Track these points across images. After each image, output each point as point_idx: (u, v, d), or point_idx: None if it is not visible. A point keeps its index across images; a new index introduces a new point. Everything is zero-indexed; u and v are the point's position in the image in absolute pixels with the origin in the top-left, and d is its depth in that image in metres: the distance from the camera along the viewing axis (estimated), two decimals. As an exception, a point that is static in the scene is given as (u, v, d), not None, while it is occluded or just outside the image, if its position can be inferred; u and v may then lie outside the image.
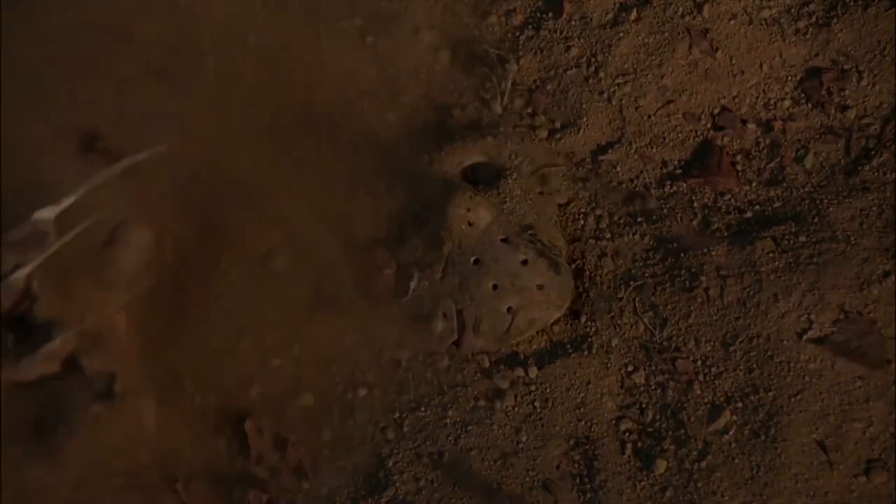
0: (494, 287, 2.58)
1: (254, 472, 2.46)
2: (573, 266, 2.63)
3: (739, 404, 2.47)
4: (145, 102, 2.71)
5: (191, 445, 2.49)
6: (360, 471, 2.49)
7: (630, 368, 2.54)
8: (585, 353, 2.55)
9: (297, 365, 2.59)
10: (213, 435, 2.50)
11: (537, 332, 2.59)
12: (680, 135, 2.78)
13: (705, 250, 2.61)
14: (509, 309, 2.57)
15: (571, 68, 2.83)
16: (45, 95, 2.69)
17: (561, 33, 2.84)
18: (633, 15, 2.83)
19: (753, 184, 2.72)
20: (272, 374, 2.57)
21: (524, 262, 2.60)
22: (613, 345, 2.55)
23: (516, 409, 2.51)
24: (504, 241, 2.60)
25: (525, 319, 2.57)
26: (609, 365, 2.54)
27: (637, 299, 2.59)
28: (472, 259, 2.60)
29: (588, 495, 2.44)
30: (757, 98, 2.80)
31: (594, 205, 2.71)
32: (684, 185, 2.73)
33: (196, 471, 2.47)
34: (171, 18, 2.91)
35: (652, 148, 2.77)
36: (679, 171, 2.75)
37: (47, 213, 2.46)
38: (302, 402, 2.53)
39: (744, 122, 2.79)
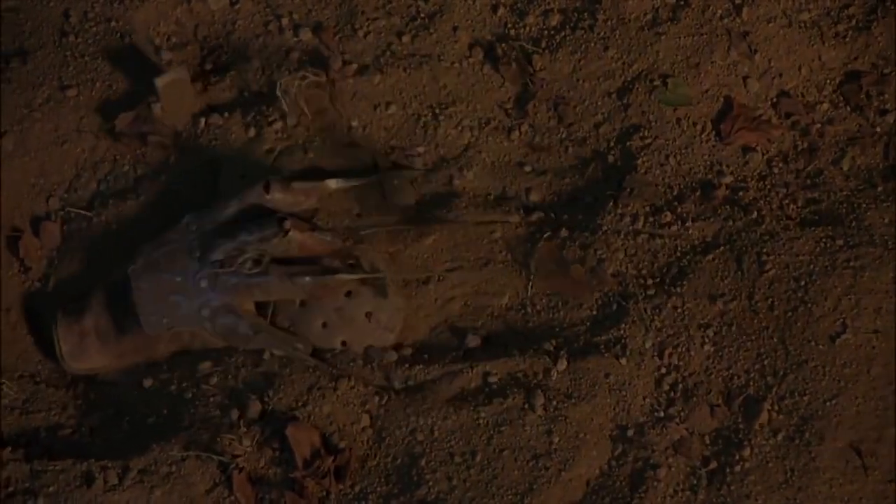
0: (324, 325, 2.63)
1: (294, 476, 2.47)
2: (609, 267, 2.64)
3: (774, 408, 2.46)
4: None
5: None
6: (392, 469, 2.50)
7: (663, 371, 2.54)
8: (619, 354, 2.54)
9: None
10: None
11: (573, 327, 2.58)
12: (717, 137, 2.79)
13: (741, 253, 2.62)
14: (343, 343, 2.62)
15: (608, 69, 2.83)
16: None
17: (598, 34, 2.84)
18: (672, 16, 2.83)
19: (790, 187, 2.71)
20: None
21: (348, 295, 2.64)
22: (647, 346, 2.55)
23: (548, 410, 2.51)
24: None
25: (360, 349, 2.63)
26: (643, 366, 2.53)
27: (671, 301, 2.59)
28: (298, 302, 2.65)
29: (623, 497, 2.44)
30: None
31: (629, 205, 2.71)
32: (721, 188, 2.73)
33: (242, 465, 2.49)
34: None
35: (689, 150, 2.78)
36: (716, 174, 2.76)
37: None
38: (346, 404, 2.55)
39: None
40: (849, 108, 2.78)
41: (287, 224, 2.60)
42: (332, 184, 2.71)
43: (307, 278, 2.61)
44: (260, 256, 2.61)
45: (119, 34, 2.90)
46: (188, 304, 2.63)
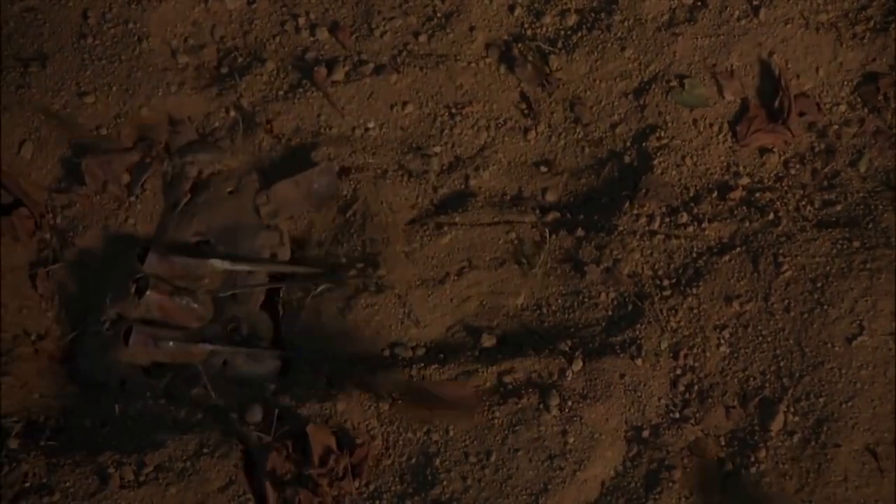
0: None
1: (309, 473, 2.47)
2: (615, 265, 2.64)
3: (790, 410, 2.46)
4: None
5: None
6: (406, 469, 2.50)
7: (679, 372, 2.53)
8: (634, 354, 2.54)
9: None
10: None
11: (588, 328, 2.58)
12: (734, 138, 2.78)
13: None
14: None
15: (624, 69, 2.83)
16: None
17: (615, 34, 2.84)
18: (689, 17, 2.83)
19: (807, 188, 2.71)
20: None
21: (224, 364, 2.63)
22: (663, 347, 2.55)
23: (563, 410, 2.51)
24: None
25: None
26: (658, 367, 2.53)
27: (687, 302, 2.59)
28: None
29: (638, 498, 2.44)
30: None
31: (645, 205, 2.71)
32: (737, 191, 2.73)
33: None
34: None
35: (706, 151, 2.78)
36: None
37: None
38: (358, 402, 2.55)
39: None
40: (866, 110, 2.78)
41: (140, 284, 2.59)
42: (219, 264, 2.68)
43: (170, 343, 2.60)
44: (118, 317, 2.63)
45: (137, 37, 2.91)
46: (109, 364, 2.64)
